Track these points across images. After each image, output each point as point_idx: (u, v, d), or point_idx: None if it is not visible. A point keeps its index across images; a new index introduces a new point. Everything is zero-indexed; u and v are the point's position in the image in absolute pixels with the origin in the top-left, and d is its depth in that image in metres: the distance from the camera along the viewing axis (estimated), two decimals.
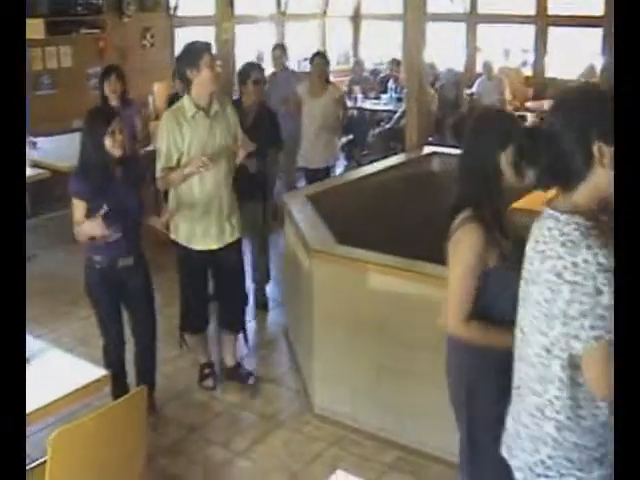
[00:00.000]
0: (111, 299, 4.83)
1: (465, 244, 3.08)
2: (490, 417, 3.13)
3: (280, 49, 9.62)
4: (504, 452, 2.69)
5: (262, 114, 6.47)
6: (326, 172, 8.14)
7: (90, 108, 4.95)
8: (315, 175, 7.87)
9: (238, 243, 5.37)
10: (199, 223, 5.10)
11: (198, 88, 4.94)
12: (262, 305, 6.81)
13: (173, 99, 7.54)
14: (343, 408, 4.97)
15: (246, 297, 5.86)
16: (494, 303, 3.10)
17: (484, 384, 3.18)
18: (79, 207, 4.52)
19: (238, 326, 5.62)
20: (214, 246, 5.18)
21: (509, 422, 2.69)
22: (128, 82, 7.55)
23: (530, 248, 2.49)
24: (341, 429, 4.91)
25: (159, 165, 5.01)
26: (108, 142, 4.46)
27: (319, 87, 8.07)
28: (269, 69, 12.51)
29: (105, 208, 4.36)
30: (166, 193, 5.38)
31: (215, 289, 5.56)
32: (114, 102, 7.24)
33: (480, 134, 3.18)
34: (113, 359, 4.93)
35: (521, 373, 2.58)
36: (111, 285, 4.77)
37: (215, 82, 5.02)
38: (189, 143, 4.96)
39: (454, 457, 4.39)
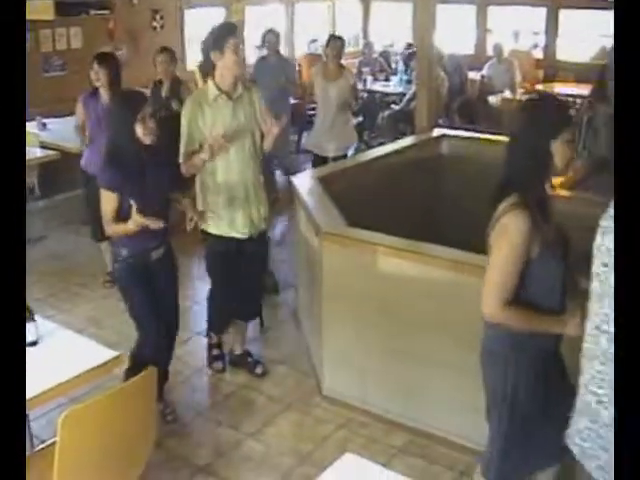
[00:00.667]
0: (146, 293, 4.59)
1: (512, 230, 3.07)
2: (531, 411, 3.20)
3: (273, 34, 9.20)
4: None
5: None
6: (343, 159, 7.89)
7: (118, 92, 4.88)
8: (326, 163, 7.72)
9: (264, 233, 5.29)
10: (225, 210, 4.97)
11: (222, 72, 4.83)
12: (272, 289, 6.72)
13: (156, 85, 7.64)
14: (352, 390, 4.97)
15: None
16: (535, 289, 3.10)
17: (526, 376, 3.19)
18: (110, 200, 4.31)
19: (253, 316, 5.63)
20: (241, 235, 5.05)
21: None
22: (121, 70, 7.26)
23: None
24: (350, 411, 4.91)
25: (182, 149, 4.89)
26: (139, 129, 4.27)
27: (335, 70, 7.91)
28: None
29: (134, 203, 4.15)
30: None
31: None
32: (103, 92, 6.62)
33: (534, 120, 3.17)
34: (151, 356, 4.47)
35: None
36: (145, 279, 4.58)
37: (239, 66, 4.89)
38: (211, 127, 4.82)
39: (463, 440, 4.44)
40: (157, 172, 4.44)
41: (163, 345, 4.73)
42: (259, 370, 5.43)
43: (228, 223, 4.99)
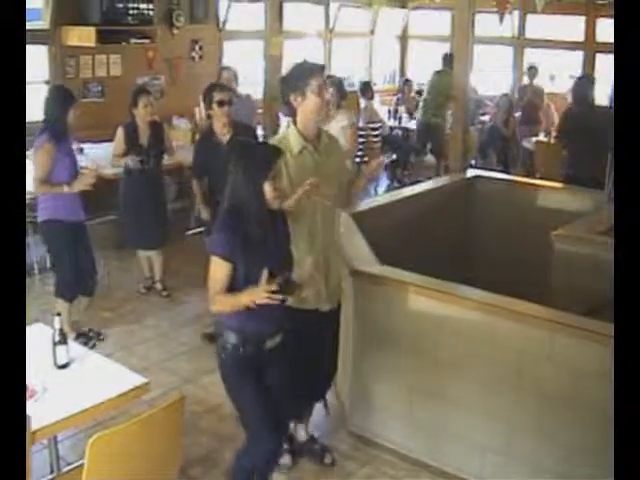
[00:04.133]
0: (259, 393, 3.80)
1: None
2: None
3: (229, 71, 8.54)
4: None
5: (241, 135, 5.95)
6: None
7: (238, 138, 4.26)
8: None
9: (339, 309, 4.56)
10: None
11: (303, 117, 4.22)
12: None
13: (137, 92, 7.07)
14: (377, 428, 4.95)
15: None
16: None
17: None
18: (222, 269, 3.59)
19: (321, 398, 4.99)
20: (323, 306, 4.36)
21: None
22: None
23: None
24: (375, 449, 4.88)
25: None
26: (269, 190, 3.59)
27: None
28: None
29: (265, 272, 3.45)
30: None
31: None
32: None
33: None
34: (255, 467, 3.96)
35: None
36: (255, 374, 3.80)
37: (324, 111, 4.30)
38: (295, 185, 4.06)
39: None
40: (277, 236, 3.75)
41: (275, 456, 4.04)
42: (328, 460, 4.77)
43: (314, 291, 4.16)
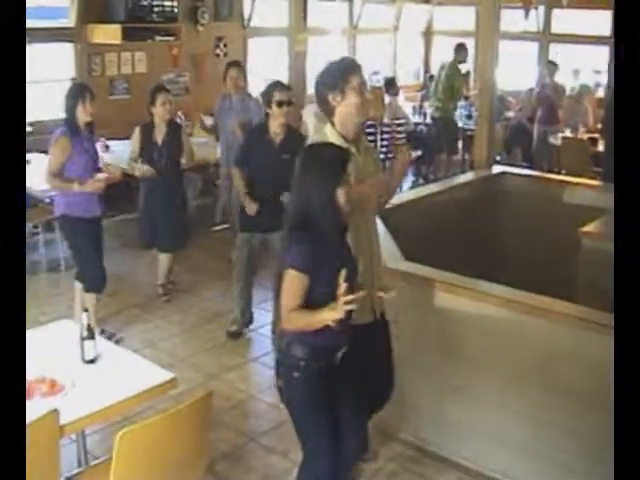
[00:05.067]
0: (326, 409, 3.58)
1: None
2: None
3: (236, 68, 7.93)
4: None
5: (292, 138, 5.94)
6: None
7: (313, 143, 3.83)
8: None
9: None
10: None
11: (343, 117, 3.98)
12: None
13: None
14: (404, 424, 4.94)
15: None
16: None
17: None
18: (301, 283, 3.34)
19: (380, 409, 4.54)
20: (368, 318, 4.08)
21: None
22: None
23: None
24: (401, 445, 4.87)
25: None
26: (341, 195, 3.38)
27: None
28: None
29: (343, 283, 3.21)
30: None
31: None
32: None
33: None
34: None
35: None
36: (325, 391, 3.57)
37: (365, 110, 4.07)
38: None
39: None
40: (345, 245, 3.59)
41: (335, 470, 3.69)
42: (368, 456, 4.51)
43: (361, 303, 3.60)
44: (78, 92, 5.81)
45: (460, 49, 11.57)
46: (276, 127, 5.97)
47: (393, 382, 4.41)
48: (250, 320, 6.49)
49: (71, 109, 5.75)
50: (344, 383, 3.63)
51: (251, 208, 6.02)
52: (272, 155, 5.89)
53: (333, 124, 4.01)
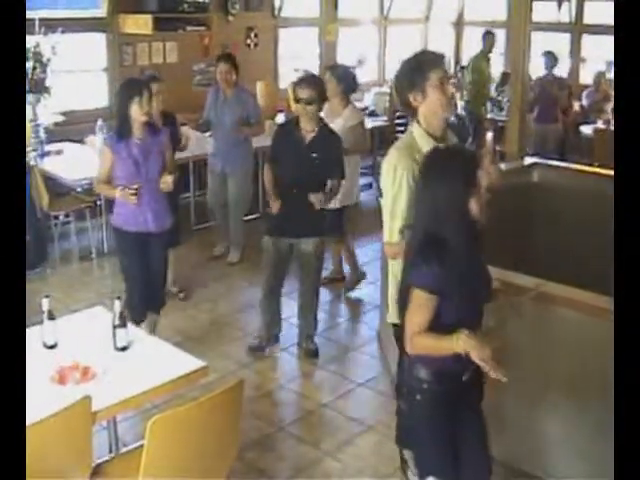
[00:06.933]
0: (450, 440, 3.33)
1: None
2: None
3: (226, 62, 7.61)
4: None
5: (324, 136, 5.64)
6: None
7: (438, 147, 3.49)
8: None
9: None
10: None
11: (427, 116, 3.76)
12: (309, 353, 5.96)
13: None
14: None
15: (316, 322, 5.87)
16: None
17: None
18: (430, 305, 3.09)
19: None
20: None
21: None
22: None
23: None
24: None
25: (397, 223, 3.67)
26: (474, 205, 3.11)
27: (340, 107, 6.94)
28: (368, 75, 12.67)
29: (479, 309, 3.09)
30: None
31: None
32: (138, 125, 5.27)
33: None
34: None
35: None
36: (452, 417, 3.32)
37: (449, 106, 3.84)
38: None
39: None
40: (479, 259, 3.30)
41: None
42: None
43: None
44: (127, 91, 5.16)
45: (487, 37, 11.48)
46: (305, 124, 5.57)
47: None
48: (276, 337, 6.02)
49: (123, 108, 5.12)
50: (468, 409, 3.37)
51: (274, 207, 5.57)
52: (300, 154, 5.53)
53: (419, 123, 3.78)
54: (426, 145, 3.67)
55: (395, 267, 3.76)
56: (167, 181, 5.24)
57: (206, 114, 7.83)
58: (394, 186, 3.67)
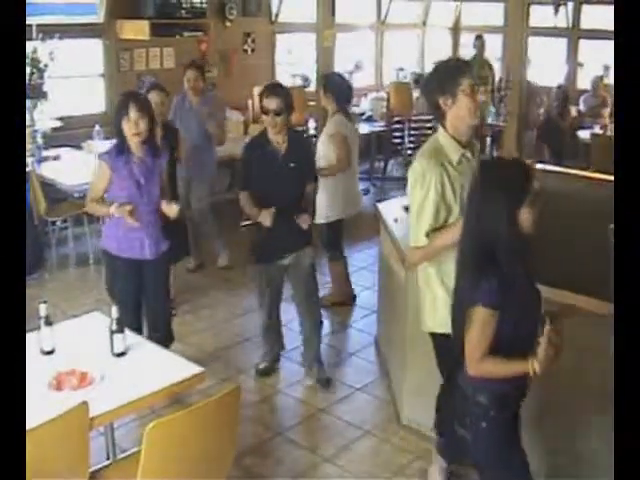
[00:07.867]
0: (521, 465, 3.37)
1: None
2: None
3: (194, 69, 7.55)
4: None
5: (296, 142, 5.34)
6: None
7: (485, 158, 3.48)
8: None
9: None
10: None
11: (456, 121, 3.80)
12: (322, 382, 5.63)
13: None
14: (431, 421, 4.91)
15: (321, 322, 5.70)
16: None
17: None
18: (491, 323, 3.06)
19: None
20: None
21: None
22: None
23: None
24: (429, 443, 4.83)
25: (424, 227, 3.75)
26: (526, 217, 3.07)
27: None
28: (365, 80, 12.69)
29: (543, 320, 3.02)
30: None
31: None
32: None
33: None
34: None
35: None
36: (519, 440, 3.38)
37: (476, 114, 3.85)
38: (459, 198, 3.71)
39: None
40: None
41: None
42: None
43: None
44: (122, 103, 4.85)
45: (476, 42, 11.58)
46: (276, 136, 5.17)
47: None
48: (278, 357, 5.86)
49: (117, 124, 4.83)
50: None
51: (265, 218, 5.09)
52: (279, 168, 5.16)
53: (445, 128, 3.83)
54: (453, 151, 3.78)
55: (432, 271, 3.97)
56: (173, 209, 4.95)
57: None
58: (422, 192, 3.72)
